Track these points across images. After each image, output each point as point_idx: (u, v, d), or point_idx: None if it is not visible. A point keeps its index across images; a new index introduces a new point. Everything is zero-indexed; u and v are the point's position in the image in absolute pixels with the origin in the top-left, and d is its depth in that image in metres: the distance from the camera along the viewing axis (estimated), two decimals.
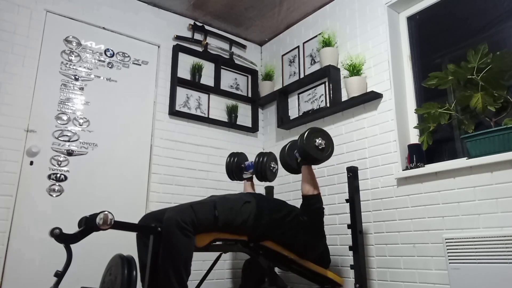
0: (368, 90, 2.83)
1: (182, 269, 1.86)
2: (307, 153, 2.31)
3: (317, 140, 2.32)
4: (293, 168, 2.64)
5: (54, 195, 2.68)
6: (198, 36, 3.63)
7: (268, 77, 3.78)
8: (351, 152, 2.91)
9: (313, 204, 2.35)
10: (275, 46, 3.90)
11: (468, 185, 2.21)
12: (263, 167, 2.58)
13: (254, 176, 2.72)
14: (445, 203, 2.29)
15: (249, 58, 3.93)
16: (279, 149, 3.57)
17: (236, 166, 2.75)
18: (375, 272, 2.58)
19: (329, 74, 3.08)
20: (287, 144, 2.71)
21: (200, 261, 2.94)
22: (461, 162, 2.23)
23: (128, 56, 3.21)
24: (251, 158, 2.74)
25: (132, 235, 2.14)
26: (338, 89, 3.09)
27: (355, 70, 2.89)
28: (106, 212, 1.70)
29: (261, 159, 2.61)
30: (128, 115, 3.10)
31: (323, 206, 2.42)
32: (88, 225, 1.71)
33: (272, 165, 2.65)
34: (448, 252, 2.11)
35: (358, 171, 2.57)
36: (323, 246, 2.44)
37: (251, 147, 3.68)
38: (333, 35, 3.20)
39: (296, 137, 3.40)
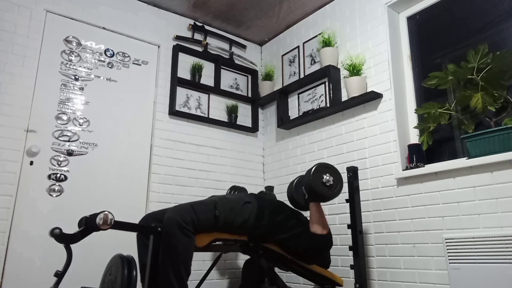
0: (368, 90, 2.83)
1: (182, 269, 1.86)
2: (313, 190, 2.16)
3: (325, 177, 2.17)
4: (301, 205, 2.52)
5: (54, 195, 2.68)
6: (198, 36, 3.63)
7: (268, 77, 3.78)
8: (351, 152, 2.91)
9: (321, 244, 2.23)
10: (275, 46, 3.90)
11: (468, 185, 2.21)
12: None
13: None
14: (445, 203, 2.29)
15: (249, 58, 3.93)
16: (279, 149, 3.62)
17: None
18: (375, 272, 2.58)
19: (329, 74, 3.08)
20: (295, 179, 2.59)
21: (200, 261, 2.95)
22: (461, 162, 2.23)
23: (128, 56, 3.21)
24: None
25: (132, 235, 2.14)
26: (338, 89, 3.09)
27: (355, 70, 2.89)
28: (106, 212, 1.70)
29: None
30: (128, 115, 3.10)
31: (332, 241, 2.29)
32: (88, 225, 1.71)
33: None
34: (448, 252, 2.11)
35: (358, 171, 2.57)
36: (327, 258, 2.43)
37: (251, 147, 3.69)
38: (333, 35, 3.20)
39: (296, 137, 3.43)
